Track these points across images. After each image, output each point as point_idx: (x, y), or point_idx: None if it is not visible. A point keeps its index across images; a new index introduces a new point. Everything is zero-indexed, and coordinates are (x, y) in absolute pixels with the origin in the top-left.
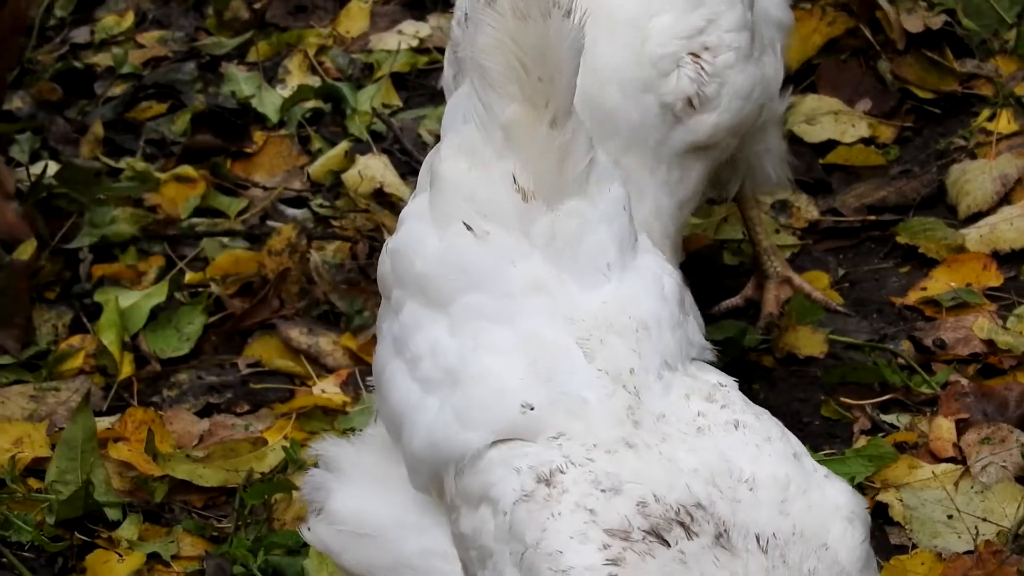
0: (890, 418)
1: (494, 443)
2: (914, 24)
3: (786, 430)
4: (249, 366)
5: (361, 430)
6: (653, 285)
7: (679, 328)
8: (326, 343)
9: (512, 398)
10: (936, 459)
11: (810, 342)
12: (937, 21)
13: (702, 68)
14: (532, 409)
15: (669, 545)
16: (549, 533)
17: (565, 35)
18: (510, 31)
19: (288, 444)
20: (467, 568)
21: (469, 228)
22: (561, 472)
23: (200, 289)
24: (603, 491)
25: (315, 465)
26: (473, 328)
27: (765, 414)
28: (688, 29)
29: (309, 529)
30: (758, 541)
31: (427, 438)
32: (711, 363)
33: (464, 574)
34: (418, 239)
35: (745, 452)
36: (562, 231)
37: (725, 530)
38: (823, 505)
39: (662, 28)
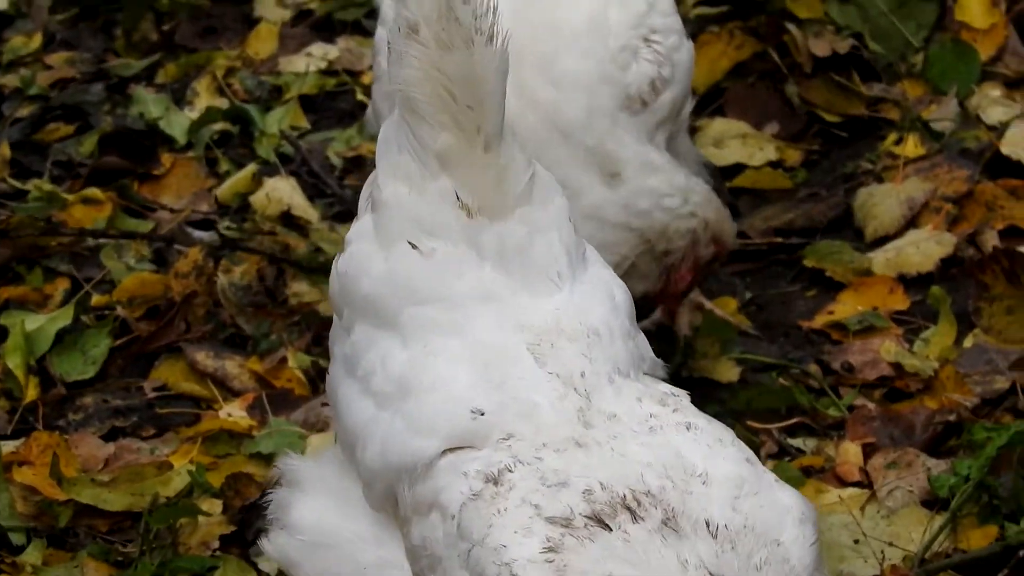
0: (797, 442)
1: (445, 451)
2: (821, 48)
3: (737, 438)
4: (155, 389)
5: (266, 453)
6: (604, 295)
7: (630, 339)
8: (232, 366)
9: (462, 405)
10: (842, 483)
11: (723, 368)
12: (844, 45)
13: (657, 51)
14: (482, 414)
15: (611, 529)
16: (494, 528)
17: (490, 61)
18: (435, 61)
19: (194, 468)
20: None
21: (414, 246)
22: (509, 471)
23: (106, 312)
24: (549, 486)
25: (278, 483)
26: (423, 339)
27: (716, 421)
28: (635, 16)
29: (269, 541)
30: (708, 527)
31: (380, 450)
32: (663, 380)
33: None
34: (364, 260)
35: (698, 450)
36: (511, 241)
37: (673, 515)
38: (775, 506)
39: (614, 22)
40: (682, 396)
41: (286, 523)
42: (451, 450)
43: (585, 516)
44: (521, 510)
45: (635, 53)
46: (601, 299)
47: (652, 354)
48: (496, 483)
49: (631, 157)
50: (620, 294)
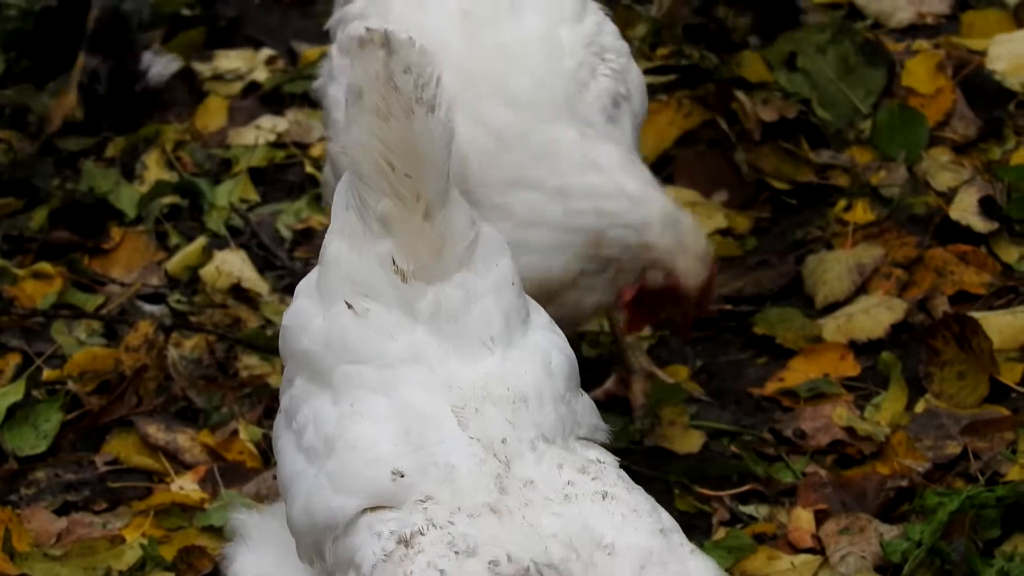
0: (749, 509)
1: (365, 510)
2: (769, 114)
3: (659, 507)
4: (107, 463)
5: (218, 526)
6: (539, 359)
7: (562, 404)
8: (184, 439)
9: (383, 465)
10: (795, 550)
11: (684, 437)
12: (792, 111)
13: (613, 68)
14: (403, 476)
15: None
16: None
17: (431, 130)
18: (374, 129)
19: (146, 542)
20: None
21: (350, 306)
22: (421, 534)
23: (57, 386)
24: (456, 552)
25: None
26: (351, 397)
27: (638, 490)
28: (586, 36)
29: None
30: None
31: (304, 506)
32: (603, 444)
33: None
34: (305, 316)
35: (610, 521)
36: (446, 305)
37: None
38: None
39: (566, 41)
40: (609, 464)
41: (230, 573)
42: (371, 509)
43: None
44: (426, 574)
45: (593, 70)
46: (534, 364)
47: (595, 419)
48: (407, 545)
49: (575, 154)
50: (558, 357)
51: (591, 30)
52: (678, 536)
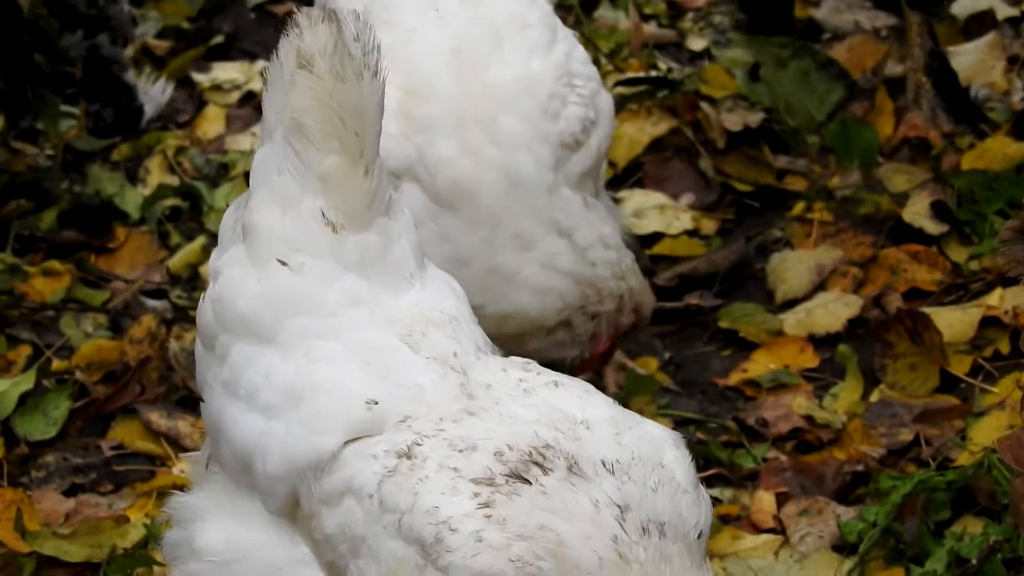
0: (714, 492)
1: (347, 443)
2: (734, 122)
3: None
4: (112, 448)
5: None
6: (449, 288)
7: (476, 325)
8: (184, 426)
9: (356, 398)
10: (757, 530)
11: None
12: (755, 119)
13: (581, 94)
14: (376, 403)
15: (530, 483)
16: (421, 495)
17: (374, 93)
18: (329, 91)
19: (149, 521)
20: (335, 568)
21: (284, 263)
22: (418, 444)
23: (66, 376)
24: (460, 451)
25: (168, 525)
26: (304, 348)
27: (573, 378)
28: (556, 65)
29: (179, 573)
30: (604, 466)
31: (282, 456)
32: None
33: None
34: (238, 284)
35: (572, 402)
36: (370, 250)
37: (575, 462)
38: (650, 437)
39: (538, 73)
40: (531, 361)
41: (195, 551)
42: (351, 441)
43: (505, 475)
44: (442, 474)
45: (564, 100)
46: (447, 291)
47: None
48: (409, 457)
49: (580, 212)
50: (457, 288)
51: (560, 61)
52: (622, 407)
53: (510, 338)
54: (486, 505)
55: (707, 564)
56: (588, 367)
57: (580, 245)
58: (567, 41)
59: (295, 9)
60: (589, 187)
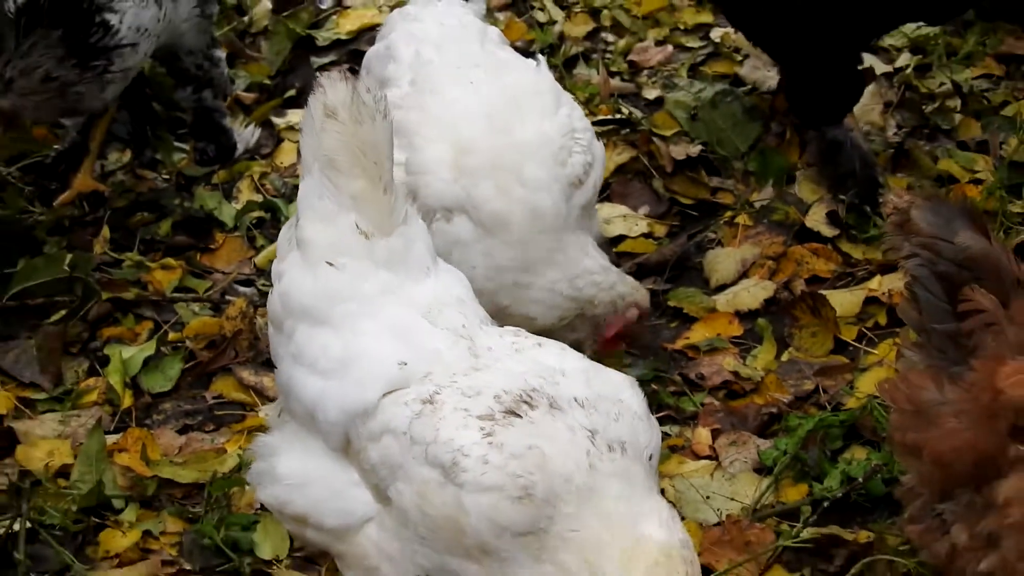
0: (664, 428)
1: (384, 394)
2: (679, 152)
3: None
4: (214, 398)
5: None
6: (455, 277)
7: (478, 305)
8: (268, 381)
9: (390, 361)
10: (697, 457)
11: None
12: (695, 150)
13: (580, 143)
14: (406, 364)
15: (521, 416)
16: (441, 430)
17: (386, 130)
18: (351, 132)
19: (241, 452)
20: (378, 489)
21: (331, 264)
22: (437, 394)
23: (179, 344)
24: (469, 396)
25: (253, 459)
26: (349, 327)
27: (553, 340)
28: (561, 125)
29: (263, 493)
30: (576, 402)
31: (337, 407)
32: None
33: (374, 495)
34: (299, 282)
35: (552, 357)
36: (395, 251)
37: (554, 400)
38: (612, 380)
39: (550, 131)
40: (521, 329)
41: (274, 477)
42: (388, 393)
43: (502, 412)
44: (455, 414)
45: (569, 151)
46: (456, 280)
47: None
48: (431, 403)
49: (575, 254)
50: (464, 280)
51: (564, 122)
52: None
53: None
54: (489, 435)
55: (657, 480)
56: (604, 348)
57: (572, 277)
58: (568, 104)
59: (318, 75)
60: (590, 210)
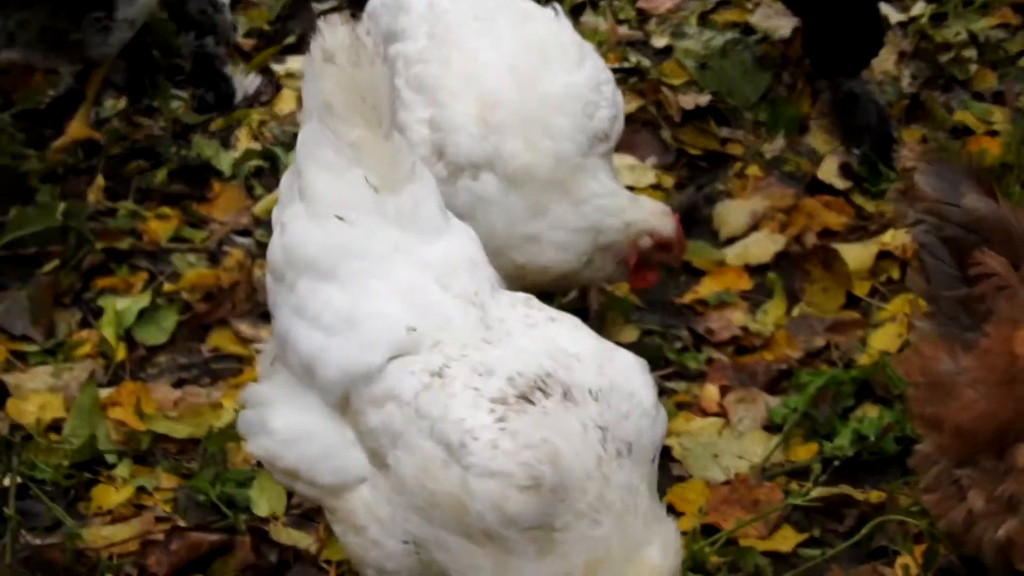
0: (672, 385)
1: (390, 359)
2: (688, 102)
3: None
4: (210, 351)
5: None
6: (468, 237)
7: (490, 267)
8: (265, 334)
9: (398, 324)
10: (705, 414)
11: (624, 332)
12: (704, 100)
13: (607, 96)
14: (414, 330)
15: (534, 404)
16: (450, 408)
17: (384, 74)
18: (349, 75)
19: (237, 407)
20: (375, 455)
21: (341, 218)
22: (447, 367)
23: (174, 296)
24: (480, 374)
25: (243, 407)
26: (358, 284)
27: (566, 314)
28: (589, 79)
29: (253, 445)
30: (591, 394)
31: (338, 366)
32: None
33: (369, 458)
34: (304, 233)
35: (566, 336)
36: (404, 208)
37: (569, 389)
38: (624, 365)
39: (579, 86)
40: (533, 297)
41: (267, 430)
42: (394, 358)
43: (515, 396)
44: (466, 393)
45: (596, 105)
46: (467, 240)
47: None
48: (440, 376)
49: (585, 173)
50: (475, 236)
51: (591, 74)
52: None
53: (555, 282)
54: (501, 420)
55: (656, 481)
56: (636, 284)
57: (577, 203)
58: (593, 56)
59: (322, 19)
60: (608, 157)
